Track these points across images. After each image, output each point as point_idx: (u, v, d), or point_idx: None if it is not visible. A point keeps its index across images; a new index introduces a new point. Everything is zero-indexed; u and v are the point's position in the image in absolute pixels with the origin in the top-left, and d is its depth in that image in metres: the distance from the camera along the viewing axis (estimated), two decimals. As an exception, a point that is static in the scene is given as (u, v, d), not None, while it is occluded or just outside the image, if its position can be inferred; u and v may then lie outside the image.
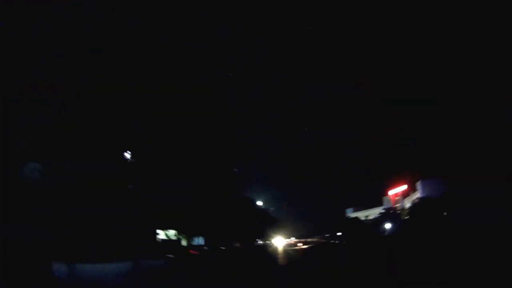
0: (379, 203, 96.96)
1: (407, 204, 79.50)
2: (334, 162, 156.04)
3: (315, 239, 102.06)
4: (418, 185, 76.13)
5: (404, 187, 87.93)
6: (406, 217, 68.75)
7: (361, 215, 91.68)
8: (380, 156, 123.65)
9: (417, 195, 75.84)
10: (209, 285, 16.69)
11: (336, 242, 64.49)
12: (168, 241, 31.50)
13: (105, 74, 21.64)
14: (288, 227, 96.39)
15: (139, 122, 25.39)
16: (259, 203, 75.45)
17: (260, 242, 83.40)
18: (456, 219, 47.98)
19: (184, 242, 35.56)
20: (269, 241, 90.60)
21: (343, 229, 69.02)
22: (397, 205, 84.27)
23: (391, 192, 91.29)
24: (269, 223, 78.94)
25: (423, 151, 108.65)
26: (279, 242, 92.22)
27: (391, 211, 75.93)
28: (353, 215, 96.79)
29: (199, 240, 42.37)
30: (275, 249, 56.18)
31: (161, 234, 32.32)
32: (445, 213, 45.01)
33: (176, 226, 31.95)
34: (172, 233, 32.80)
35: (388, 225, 60.92)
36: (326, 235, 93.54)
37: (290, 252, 46.53)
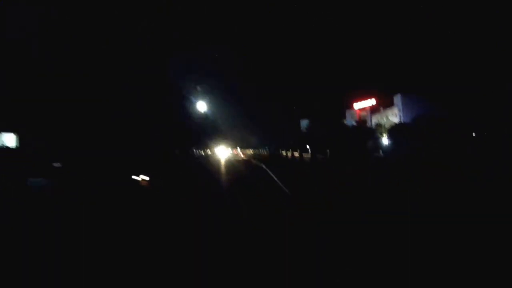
0: (339, 117, 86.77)
1: (379, 120, 69.65)
2: (288, 66, 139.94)
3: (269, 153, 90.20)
4: (397, 99, 65.52)
5: (372, 101, 77.64)
6: (384, 136, 58.84)
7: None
8: (343, 62, 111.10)
9: (395, 110, 65.77)
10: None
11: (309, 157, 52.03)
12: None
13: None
14: (234, 137, 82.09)
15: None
16: (201, 105, 56.81)
17: (196, 152, 67.05)
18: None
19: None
20: (208, 151, 75.06)
21: (314, 140, 55.82)
22: (365, 120, 74.19)
23: (357, 106, 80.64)
24: (209, 129, 62.63)
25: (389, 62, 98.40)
26: (223, 153, 77.60)
27: (363, 127, 65.18)
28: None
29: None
30: (212, 163, 41.10)
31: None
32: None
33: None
34: None
35: (385, 142, 49.65)
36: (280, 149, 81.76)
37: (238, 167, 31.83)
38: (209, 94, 59.97)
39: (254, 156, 65.13)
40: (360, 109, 79.91)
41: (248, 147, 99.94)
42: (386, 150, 45.94)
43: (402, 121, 58.95)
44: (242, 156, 68.87)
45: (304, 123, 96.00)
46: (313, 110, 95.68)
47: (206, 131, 62.18)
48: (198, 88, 49.99)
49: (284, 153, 65.10)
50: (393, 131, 53.94)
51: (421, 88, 66.01)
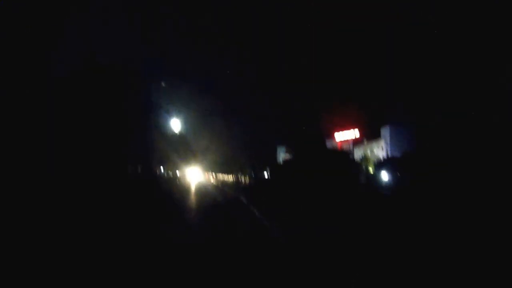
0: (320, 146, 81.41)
1: (365, 153, 64.60)
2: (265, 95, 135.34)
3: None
4: (385, 131, 60.90)
5: (356, 132, 72.89)
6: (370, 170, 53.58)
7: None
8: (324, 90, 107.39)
9: (381, 143, 61.04)
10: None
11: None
12: None
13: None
14: (208, 159, 74.44)
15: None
16: (175, 125, 54.67)
17: (164, 172, 61.64)
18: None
19: None
20: (179, 172, 68.25)
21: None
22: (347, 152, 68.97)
23: (339, 137, 75.56)
24: (182, 148, 58.53)
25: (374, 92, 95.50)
26: (195, 175, 71.06)
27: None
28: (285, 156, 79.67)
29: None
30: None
31: None
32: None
33: None
34: None
35: (385, 175, 43.94)
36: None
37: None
38: (184, 113, 57.88)
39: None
40: (341, 141, 74.86)
41: (222, 171, 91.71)
42: (381, 185, 40.30)
43: (388, 155, 54.00)
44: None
45: (281, 149, 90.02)
46: (291, 138, 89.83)
47: (177, 150, 57.60)
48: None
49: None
50: (382, 165, 48.62)
51: (406, 119, 62.01)
